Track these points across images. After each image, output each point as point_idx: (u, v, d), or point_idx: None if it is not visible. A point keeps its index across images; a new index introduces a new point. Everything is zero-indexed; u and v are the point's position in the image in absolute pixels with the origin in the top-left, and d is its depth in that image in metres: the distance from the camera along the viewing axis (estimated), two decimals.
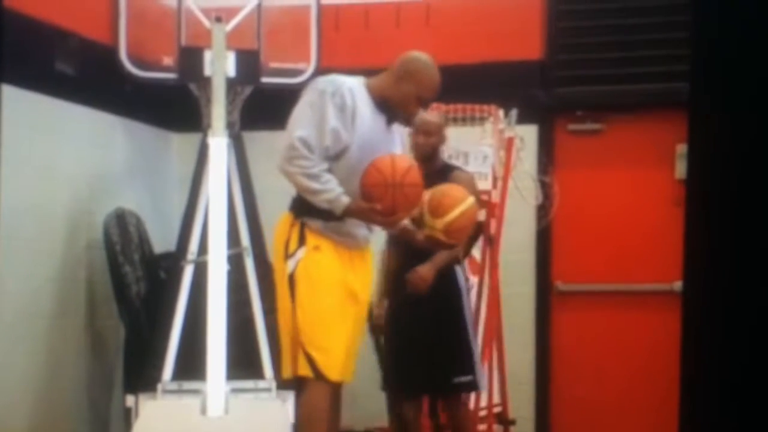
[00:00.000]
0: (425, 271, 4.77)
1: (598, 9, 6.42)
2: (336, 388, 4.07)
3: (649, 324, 6.25)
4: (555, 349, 6.46)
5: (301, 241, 3.97)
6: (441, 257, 4.77)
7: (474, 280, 5.94)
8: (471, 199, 4.27)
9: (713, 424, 2.27)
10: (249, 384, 5.08)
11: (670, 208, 6.08)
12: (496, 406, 5.76)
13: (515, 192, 5.85)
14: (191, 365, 5.19)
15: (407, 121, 4.18)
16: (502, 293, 5.82)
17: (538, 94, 6.42)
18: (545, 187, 6.16)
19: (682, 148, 6.17)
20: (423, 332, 4.87)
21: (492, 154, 5.69)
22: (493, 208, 5.74)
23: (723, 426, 2.26)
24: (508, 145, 5.73)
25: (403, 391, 4.98)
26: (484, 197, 5.75)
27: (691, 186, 2.40)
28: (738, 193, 2.24)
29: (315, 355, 3.92)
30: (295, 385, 4.16)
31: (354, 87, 3.96)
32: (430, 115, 4.99)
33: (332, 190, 3.87)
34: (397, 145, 4.13)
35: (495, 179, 5.70)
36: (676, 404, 2.36)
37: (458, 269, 4.95)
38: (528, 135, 6.08)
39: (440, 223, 4.21)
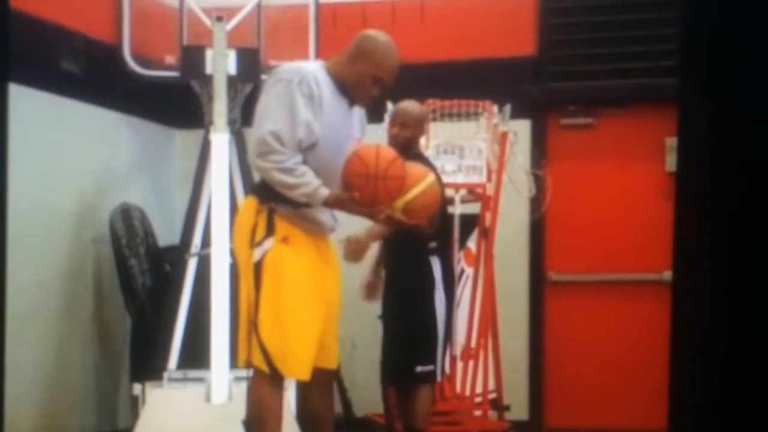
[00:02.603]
0: (361, 236, 4.60)
1: (589, 6, 6.48)
2: (328, 377, 3.97)
3: (639, 313, 6.30)
4: (548, 338, 6.51)
5: (270, 229, 3.74)
6: (377, 228, 4.50)
7: (470, 270, 6.05)
8: (431, 177, 4.08)
9: (702, 409, 2.27)
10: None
11: (660, 200, 6.14)
12: (490, 392, 5.82)
13: (509, 185, 5.91)
14: (196, 354, 5.30)
15: (367, 102, 3.94)
16: (497, 283, 5.90)
17: (531, 90, 6.48)
18: (538, 181, 6.20)
19: (671, 142, 6.22)
20: (392, 321, 4.81)
21: (486, 148, 5.74)
22: (487, 201, 5.80)
23: (712, 411, 2.26)
24: (502, 139, 5.79)
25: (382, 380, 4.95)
26: (479, 190, 5.87)
27: (681, 178, 2.38)
28: (726, 184, 2.25)
29: (272, 351, 3.70)
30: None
31: (317, 73, 3.77)
32: (410, 104, 4.75)
33: (309, 183, 3.69)
34: (356, 127, 3.92)
35: (489, 173, 5.77)
36: (666, 390, 2.35)
37: (434, 260, 4.70)
38: (521, 129, 6.16)
39: (399, 202, 4.00)
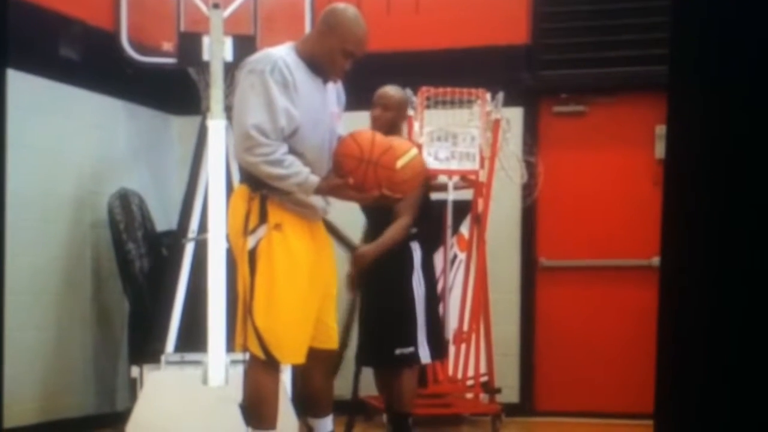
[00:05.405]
0: (367, 249, 4.72)
1: None
2: (328, 357, 4.02)
3: (628, 297, 6.39)
4: (539, 322, 6.60)
5: (263, 217, 3.75)
6: (387, 237, 4.64)
7: (462, 256, 6.14)
8: (414, 151, 4.07)
9: (688, 393, 2.32)
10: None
11: (650, 186, 6.20)
12: (482, 375, 5.92)
13: (501, 172, 6.00)
14: (193, 338, 5.36)
15: (340, 76, 3.90)
16: (489, 268, 5.98)
17: (523, 78, 6.55)
18: (530, 167, 6.29)
19: (661, 129, 6.28)
20: (370, 305, 4.85)
21: (479, 135, 5.82)
22: (480, 188, 5.88)
23: (697, 394, 2.30)
24: (495, 126, 5.86)
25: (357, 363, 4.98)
26: (472, 177, 5.94)
27: (669, 166, 2.43)
28: (714, 171, 2.30)
29: (267, 337, 3.75)
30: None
31: (286, 57, 3.75)
32: (391, 88, 4.79)
33: (299, 173, 3.70)
34: (333, 102, 3.91)
35: (482, 160, 5.84)
36: (653, 372, 2.39)
37: (414, 246, 4.73)
38: (514, 117, 6.23)
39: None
